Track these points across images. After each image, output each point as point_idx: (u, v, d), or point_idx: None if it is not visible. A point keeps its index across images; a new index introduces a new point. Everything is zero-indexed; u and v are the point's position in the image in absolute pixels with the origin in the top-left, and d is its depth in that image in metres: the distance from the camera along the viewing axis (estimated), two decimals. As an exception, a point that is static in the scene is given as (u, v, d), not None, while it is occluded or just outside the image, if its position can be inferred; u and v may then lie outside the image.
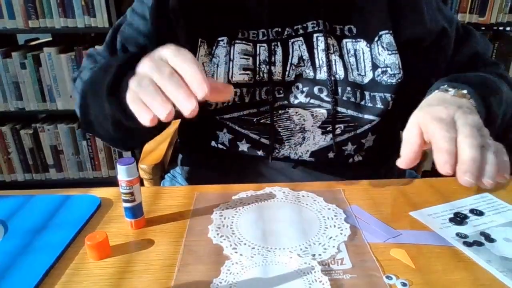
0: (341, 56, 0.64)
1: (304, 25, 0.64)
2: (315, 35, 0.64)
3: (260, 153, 0.67)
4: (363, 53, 0.63)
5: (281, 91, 0.64)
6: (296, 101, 0.64)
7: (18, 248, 0.45)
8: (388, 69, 0.63)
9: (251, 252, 0.44)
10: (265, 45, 0.63)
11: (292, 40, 0.64)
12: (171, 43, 0.45)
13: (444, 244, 0.46)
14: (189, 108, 0.39)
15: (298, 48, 0.64)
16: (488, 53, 0.70)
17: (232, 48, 0.63)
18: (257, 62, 0.63)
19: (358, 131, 0.65)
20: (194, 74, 0.40)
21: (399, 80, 0.62)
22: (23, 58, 1.74)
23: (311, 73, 0.64)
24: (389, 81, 0.63)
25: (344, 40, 0.64)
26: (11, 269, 0.42)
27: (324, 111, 0.64)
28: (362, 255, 0.43)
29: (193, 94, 0.39)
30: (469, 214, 0.51)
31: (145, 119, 0.41)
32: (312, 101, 0.64)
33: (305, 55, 0.64)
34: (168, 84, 0.40)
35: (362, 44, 0.64)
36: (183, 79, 0.40)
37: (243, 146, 0.67)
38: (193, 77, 0.40)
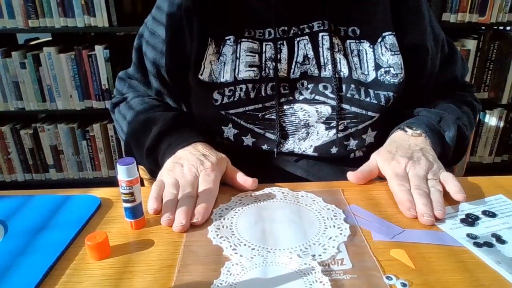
0: (345, 55, 0.66)
1: (310, 24, 0.66)
2: (320, 34, 0.66)
3: (264, 147, 0.68)
4: (366, 53, 0.66)
5: (286, 87, 0.66)
6: (301, 97, 0.66)
7: (18, 248, 0.45)
8: (391, 69, 0.65)
9: (251, 253, 0.44)
10: (271, 43, 0.65)
11: (298, 39, 0.66)
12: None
13: (454, 244, 0.46)
14: (179, 226, 0.48)
15: (304, 46, 0.66)
16: (464, 76, 0.81)
17: (238, 46, 0.65)
18: (263, 59, 0.65)
19: (360, 127, 0.67)
20: (206, 207, 0.51)
21: (401, 80, 0.65)
22: (23, 58, 1.73)
23: (316, 71, 0.66)
24: (391, 80, 0.65)
25: (348, 41, 0.66)
26: (11, 269, 0.42)
27: (328, 107, 0.65)
28: (362, 255, 0.44)
29: (192, 217, 0.49)
30: (481, 216, 0.51)
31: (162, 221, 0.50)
32: (317, 97, 0.66)
33: (310, 54, 0.66)
34: (182, 203, 0.51)
35: (365, 45, 0.66)
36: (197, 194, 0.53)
37: (248, 141, 0.68)
38: (203, 207, 0.50)
